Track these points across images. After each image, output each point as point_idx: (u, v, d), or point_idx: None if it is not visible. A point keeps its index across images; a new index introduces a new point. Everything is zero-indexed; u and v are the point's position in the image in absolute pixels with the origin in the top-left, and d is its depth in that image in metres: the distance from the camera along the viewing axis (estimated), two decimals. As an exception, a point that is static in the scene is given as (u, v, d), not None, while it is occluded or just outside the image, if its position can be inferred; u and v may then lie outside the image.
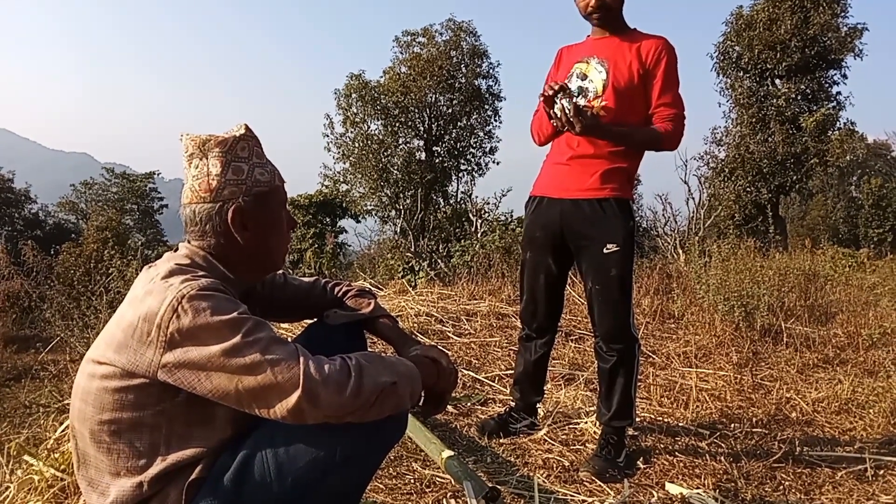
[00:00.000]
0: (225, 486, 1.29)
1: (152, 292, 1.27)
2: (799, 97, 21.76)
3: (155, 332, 1.22)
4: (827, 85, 22.06)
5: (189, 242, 1.43)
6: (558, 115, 2.37)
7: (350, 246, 20.38)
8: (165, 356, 1.22)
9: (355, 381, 1.24)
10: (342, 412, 1.25)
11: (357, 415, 1.26)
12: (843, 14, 21.24)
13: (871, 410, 3.21)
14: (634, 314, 2.60)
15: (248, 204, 1.39)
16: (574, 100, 2.39)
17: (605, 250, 2.45)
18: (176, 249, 1.44)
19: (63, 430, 2.45)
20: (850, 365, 4.14)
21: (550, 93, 2.39)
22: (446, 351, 3.18)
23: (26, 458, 2.22)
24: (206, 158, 1.39)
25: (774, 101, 21.70)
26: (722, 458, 2.58)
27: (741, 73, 22.38)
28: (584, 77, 2.51)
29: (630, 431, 2.71)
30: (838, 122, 22.01)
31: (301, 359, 1.23)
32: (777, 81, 22.19)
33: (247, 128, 1.43)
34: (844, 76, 21.90)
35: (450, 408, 3.04)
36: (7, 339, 11.12)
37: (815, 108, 21.72)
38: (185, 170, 1.42)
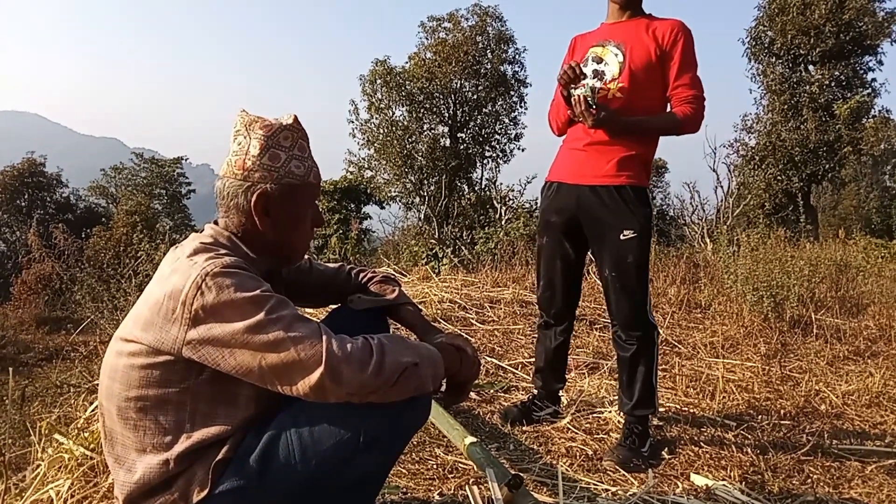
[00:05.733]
0: (250, 466, 1.31)
1: (178, 270, 1.29)
2: (833, 84, 21.24)
3: (180, 309, 1.24)
4: (862, 71, 21.52)
5: (214, 223, 1.45)
6: (573, 104, 2.39)
7: (374, 232, 20.46)
8: (190, 333, 1.24)
9: (377, 359, 1.25)
10: (364, 390, 1.25)
11: (379, 394, 1.27)
12: (880, -1, 20.66)
13: (903, 404, 3.14)
14: (651, 301, 2.57)
15: (274, 191, 1.40)
16: (588, 85, 2.40)
17: (621, 237, 2.43)
18: (201, 230, 1.45)
19: (93, 410, 2.50)
20: (882, 357, 4.05)
21: (571, 74, 2.40)
22: (470, 339, 3.17)
23: (57, 436, 2.26)
24: (249, 138, 1.40)
25: (807, 87, 21.22)
26: (749, 449, 2.55)
27: (773, 59, 21.91)
28: (599, 61, 2.49)
29: (655, 421, 2.69)
30: (873, 110, 21.48)
31: (324, 336, 1.24)
32: (810, 67, 21.69)
33: (296, 119, 1.44)
34: (880, 62, 21.35)
35: (473, 394, 3.04)
36: (40, 320, 11.39)
37: (849, 94, 21.20)
38: (230, 144, 1.43)
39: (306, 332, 1.24)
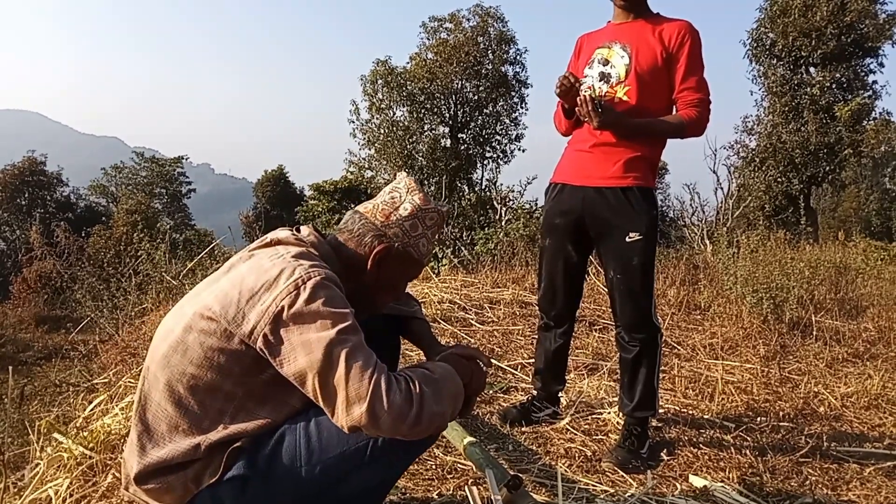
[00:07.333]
0: (258, 461, 1.34)
1: (279, 266, 1.32)
2: (834, 86, 21.28)
3: (270, 302, 1.27)
4: (863, 73, 21.56)
5: (315, 230, 1.49)
6: (579, 104, 2.37)
7: (375, 232, 20.45)
8: (268, 327, 1.27)
9: (416, 412, 1.27)
10: (395, 435, 1.29)
11: (406, 437, 1.31)
12: (881, 1, 20.70)
13: (902, 407, 3.14)
14: (656, 303, 2.57)
15: (397, 251, 1.49)
16: (592, 90, 2.39)
17: (627, 239, 2.42)
18: (298, 229, 1.50)
19: (91, 409, 2.50)
20: (881, 360, 4.05)
21: (567, 85, 2.41)
22: (473, 343, 3.16)
23: (56, 435, 2.26)
24: (404, 199, 1.51)
25: (808, 89, 21.25)
26: (747, 451, 2.55)
27: (775, 61, 21.94)
28: (605, 62, 2.48)
29: (654, 423, 2.69)
30: (874, 112, 21.53)
31: (375, 374, 1.25)
32: (811, 69, 21.72)
33: (446, 213, 1.61)
34: (881, 65, 21.43)
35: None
36: (39, 318, 11.40)
37: (850, 97, 21.24)
38: (383, 191, 1.58)
39: (362, 364, 1.26)
